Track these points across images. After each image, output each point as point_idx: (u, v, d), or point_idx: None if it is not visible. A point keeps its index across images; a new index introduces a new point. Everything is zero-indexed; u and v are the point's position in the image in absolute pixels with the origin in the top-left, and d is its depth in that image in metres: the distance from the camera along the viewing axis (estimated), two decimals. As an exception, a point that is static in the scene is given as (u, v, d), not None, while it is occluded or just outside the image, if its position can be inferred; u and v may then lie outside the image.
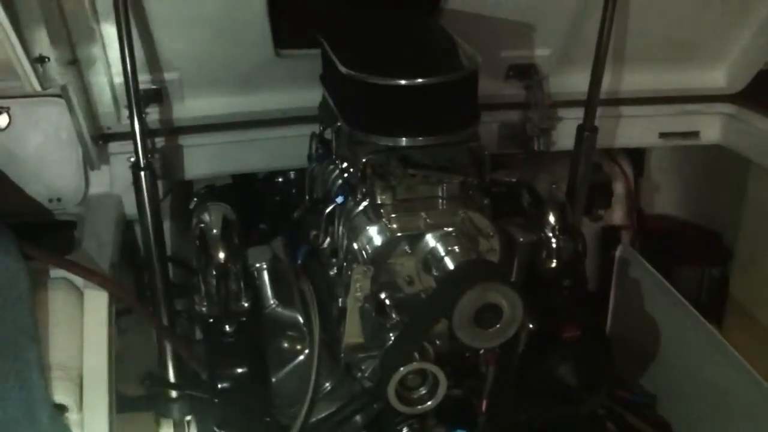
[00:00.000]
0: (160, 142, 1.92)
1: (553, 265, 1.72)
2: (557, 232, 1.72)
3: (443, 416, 1.56)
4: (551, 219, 1.74)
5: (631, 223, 2.39)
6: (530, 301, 1.56)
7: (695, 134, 2.19)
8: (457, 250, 1.42)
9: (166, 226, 2.02)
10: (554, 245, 1.72)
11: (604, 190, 2.32)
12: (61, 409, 1.59)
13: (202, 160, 1.97)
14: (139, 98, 1.64)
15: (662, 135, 2.18)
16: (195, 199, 1.92)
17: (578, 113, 1.96)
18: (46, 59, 1.53)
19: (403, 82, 1.39)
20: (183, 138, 1.95)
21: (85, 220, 1.91)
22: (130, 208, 1.87)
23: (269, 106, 1.95)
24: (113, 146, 1.91)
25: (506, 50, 1.96)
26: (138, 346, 2.06)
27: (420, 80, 1.40)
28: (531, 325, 1.56)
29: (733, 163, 2.21)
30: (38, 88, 1.52)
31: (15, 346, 1.53)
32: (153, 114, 1.89)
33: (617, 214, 2.38)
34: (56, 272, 1.69)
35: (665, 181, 2.56)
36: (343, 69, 1.43)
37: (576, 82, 1.95)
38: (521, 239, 1.67)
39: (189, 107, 1.92)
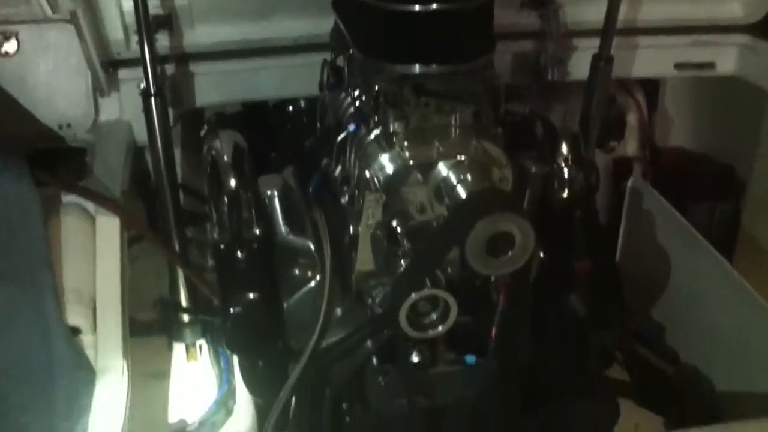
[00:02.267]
0: (170, 69, 1.91)
1: (565, 196, 1.72)
2: (570, 163, 1.71)
3: (453, 344, 1.56)
4: (564, 150, 1.73)
5: (643, 156, 2.37)
6: (541, 231, 1.59)
7: (711, 65, 2.16)
8: (469, 179, 1.41)
9: (177, 154, 2.02)
10: (566, 176, 1.72)
11: (618, 122, 2.30)
12: (75, 331, 1.62)
13: (213, 87, 1.96)
14: (149, 23, 1.63)
15: (677, 66, 2.15)
16: (205, 126, 1.91)
17: (593, 43, 1.93)
18: (56, -18, 1.52)
19: (417, 8, 1.37)
20: (193, 65, 1.94)
21: (95, 147, 1.91)
22: (141, 135, 1.87)
23: (281, 33, 1.94)
24: (123, 72, 1.90)
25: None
26: (150, 272, 2.09)
27: (435, 6, 1.38)
28: (542, 255, 1.58)
29: (748, 95, 2.18)
30: (49, 12, 1.52)
31: (29, 271, 1.55)
32: (163, 41, 1.88)
33: (630, 146, 2.36)
34: (68, 198, 1.71)
35: (679, 114, 2.54)
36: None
37: (591, 11, 1.93)
38: (534, 169, 1.66)
39: (199, 34, 1.91)
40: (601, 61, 1.84)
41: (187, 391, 2.00)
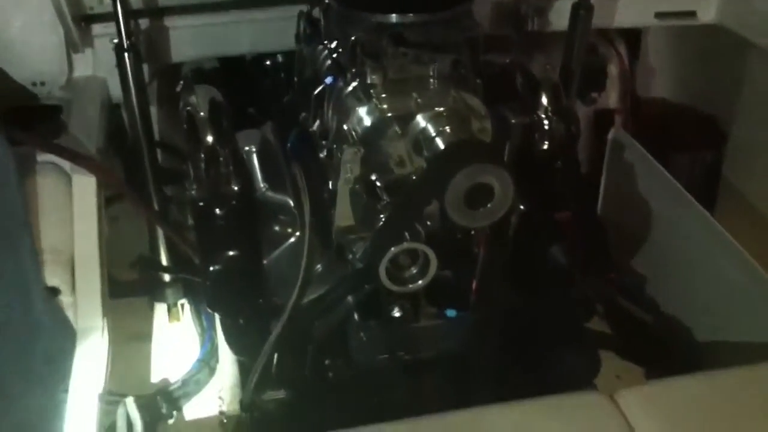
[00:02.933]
0: (144, 23, 1.87)
1: (546, 146, 1.71)
2: (550, 114, 1.70)
3: (434, 298, 1.56)
4: (544, 100, 1.71)
5: (625, 107, 2.36)
6: (522, 182, 1.58)
7: (692, 14, 2.14)
8: (448, 130, 1.39)
9: (154, 111, 1.99)
10: (547, 127, 1.71)
11: (599, 73, 2.28)
12: (54, 291, 1.60)
13: (189, 42, 1.93)
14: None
15: (658, 15, 2.13)
16: (181, 82, 1.88)
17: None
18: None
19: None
20: (168, 19, 1.90)
21: (70, 104, 1.88)
22: (116, 92, 1.84)
23: None
24: (96, 28, 1.87)
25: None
26: (130, 233, 2.07)
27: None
28: (522, 207, 1.58)
29: (730, 44, 2.17)
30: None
31: (7, 232, 1.53)
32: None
33: (611, 98, 2.34)
34: (44, 157, 1.68)
35: (661, 64, 2.52)
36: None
37: (573, -41, 1.90)
38: (513, 120, 1.65)
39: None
40: (581, 9, 1.82)
41: (169, 350, 2.00)
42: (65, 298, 1.61)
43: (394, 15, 1.39)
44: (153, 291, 1.98)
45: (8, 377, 1.52)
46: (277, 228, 1.63)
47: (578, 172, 1.73)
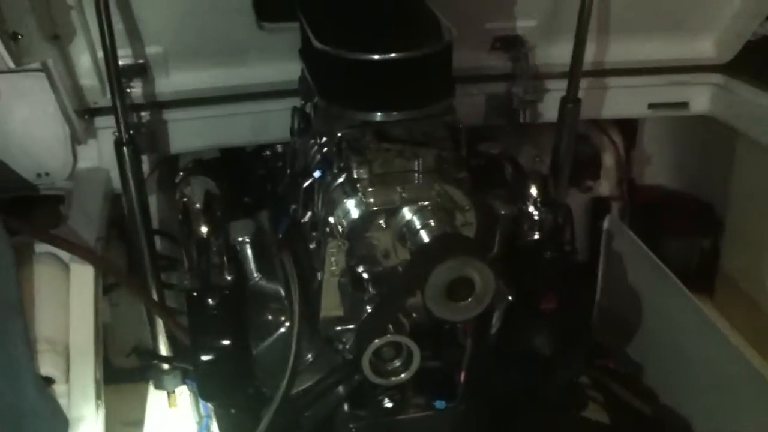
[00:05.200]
0: (145, 116, 1.93)
1: (536, 237, 1.74)
2: (539, 205, 1.73)
3: (423, 388, 1.57)
4: (533, 191, 1.75)
5: (621, 194, 2.38)
6: (510, 273, 1.60)
7: (685, 105, 2.18)
8: (432, 223, 1.42)
9: (155, 199, 2.04)
10: (536, 218, 1.74)
11: (593, 161, 2.32)
12: (48, 381, 1.62)
13: (188, 134, 1.99)
14: (119, 74, 1.65)
15: (651, 106, 2.17)
16: (180, 173, 1.93)
17: (564, 85, 1.95)
18: (19, 36, 1.54)
19: (374, 57, 1.39)
20: (168, 112, 1.96)
21: (72, 195, 1.93)
22: (119, 183, 1.88)
23: (254, 79, 1.96)
24: (100, 120, 1.92)
25: (491, 21, 1.96)
26: (131, 319, 2.10)
27: (392, 55, 1.40)
28: (510, 297, 1.59)
29: (722, 134, 2.21)
30: (11, 65, 1.53)
31: (0, 320, 1.56)
32: (138, 88, 1.90)
33: (607, 185, 2.37)
34: (42, 247, 1.72)
35: (657, 152, 2.56)
36: (316, 43, 1.44)
37: (562, 53, 1.94)
38: (503, 212, 1.68)
39: (174, 81, 1.93)
40: (569, 102, 1.86)
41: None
42: (59, 387, 1.63)
43: (377, 113, 1.43)
44: (153, 377, 1.99)
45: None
46: (269, 317, 1.66)
47: (568, 261, 1.75)
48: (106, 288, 1.86)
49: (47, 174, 1.96)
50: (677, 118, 2.35)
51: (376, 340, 1.37)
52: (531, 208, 1.74)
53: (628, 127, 2.47)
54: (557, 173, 1.93)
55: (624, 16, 1.98)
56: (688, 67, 2.14)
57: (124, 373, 2.06)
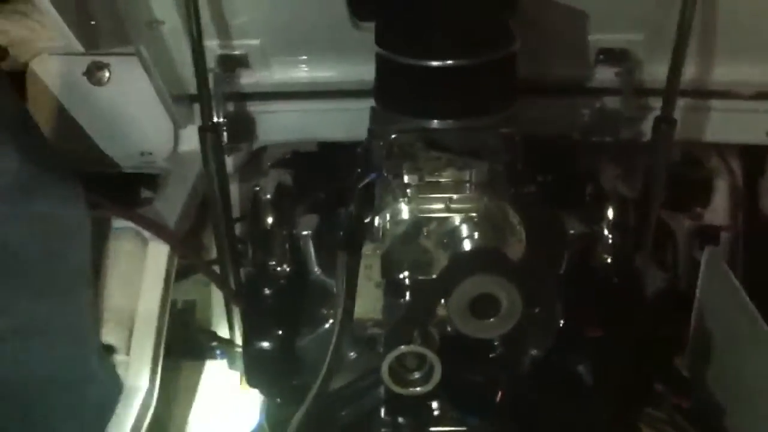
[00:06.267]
0: (240, 105, 1.99)
1: (609, 261, 1.67)
2: (613, 227, 1.66)
3: (458, 401, 1.54)
4: (609, 213, 1.68)
5: (734, 225, 2.22)
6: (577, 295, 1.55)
7: (810, 135, 2.01)
8: (475, 236, 1.39)
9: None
10: (609, 241, 1.67)
11: (704, 187, 2.18)
12: (110, 349, 1.72)
13: (281, 126, 2.03)
14: (204, 62, 1.71)
15: (772, 134, 2.02)
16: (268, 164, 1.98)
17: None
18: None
19: (428, 62, 1.38)
20: (264, 104, 2.01)
21: (170, 175, 2.03)
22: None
23: (350, 76, 1.97)
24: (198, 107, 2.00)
25: (595, 33, 1.88)
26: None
27: (447, 61, 1.38)
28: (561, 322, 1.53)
29: None
30: (80, 48, 1.63)
31: (70, 289, 1.66)
32: (237, 78, 1.96)
33: (718, 214, 2.22)
34: (123, 222, 1.82)
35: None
36: (374, 45, 1.44)
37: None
38: (572, 231, 1.62)
39: (272, 74, 1.97)
40: (663, 123, 1.76)
41: (234, 415, 2.06)
42: (120, 357, 1.71)
43: (425, 120, 1.41)
44: (226, 358, 2.06)
45: (58, 426, 1.64)
46: (323, 311, 1.67)
47: (638, 288, 1.67)
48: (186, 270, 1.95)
49: (150, 153, 2.06)
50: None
51: (397, 349, 1.35)
52: (605, 231, 1.67)
53: (756, 154, 2.29)
54: (648, 197, 1.83)
55: (747, 35, 1.84)
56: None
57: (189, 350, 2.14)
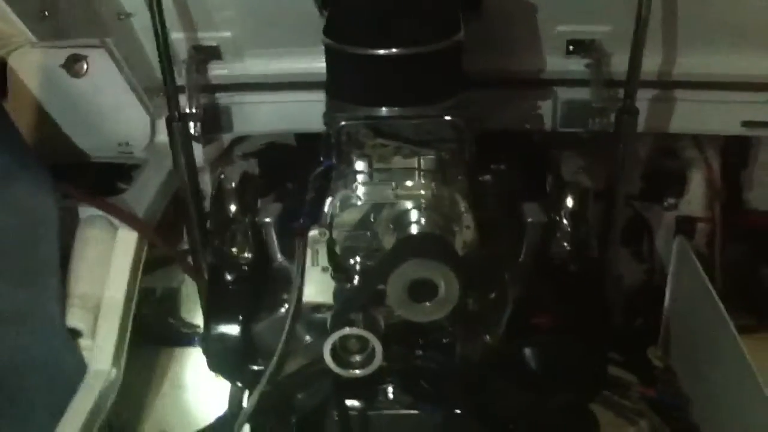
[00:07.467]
0: (213, 97, 2.02)
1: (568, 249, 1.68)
2: (572, 217, 1.67)
3: (412, 388, 1.56)
4: (569, 202, 1.68)
5: (711, 216, 2.20)
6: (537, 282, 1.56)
7: (783, 124, 2.00)
8: (422, 222, 1.41)
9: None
10: (568, 230, 1.67)
11: (678, 178, 2.17)
12: (75, 333, 1.75)
13: (255, 117, 2.06)
14: (168, 53, 1.73)
15: (745, 124, 2.00)
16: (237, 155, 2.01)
17: (646, 94, 1.90)
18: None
19: (373, 51, 1.39)
20: (237, 95, 2.04)
21: (147, 165, 2.06)
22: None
23: (323, 68, 1.99)
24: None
25: (564, 24, 1.88)
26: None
27: (392, 50, 1.39)
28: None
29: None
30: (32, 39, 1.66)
31: (37, 276, 1.70)
32: (210, 70, 1.99)
33: (693, 205, 2.20)
34: (94, 210, 1.85)
35: (770, 176, 2.34)
36: (322, 37, 1.46)
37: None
38: (530, 219, 1.63)
39: (244, 65, 1.99)
40: (624, 113, 1.75)
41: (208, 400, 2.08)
42: (85, 341, 1.75)
43: (371, 108, 1.43)
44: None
45: (28, 405, 1.68)
46: (284, 296, 1.69)
47: (598, 277, 1.68)
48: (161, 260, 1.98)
49: (127, 144, 2.09)
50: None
51: (337, 332, 1.38)
52: (564, 220, 1.68)
53: (738, 147, 2.28)
54: (614, 187, 1.82)
55: (713, 26, 1.84)
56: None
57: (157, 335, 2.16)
